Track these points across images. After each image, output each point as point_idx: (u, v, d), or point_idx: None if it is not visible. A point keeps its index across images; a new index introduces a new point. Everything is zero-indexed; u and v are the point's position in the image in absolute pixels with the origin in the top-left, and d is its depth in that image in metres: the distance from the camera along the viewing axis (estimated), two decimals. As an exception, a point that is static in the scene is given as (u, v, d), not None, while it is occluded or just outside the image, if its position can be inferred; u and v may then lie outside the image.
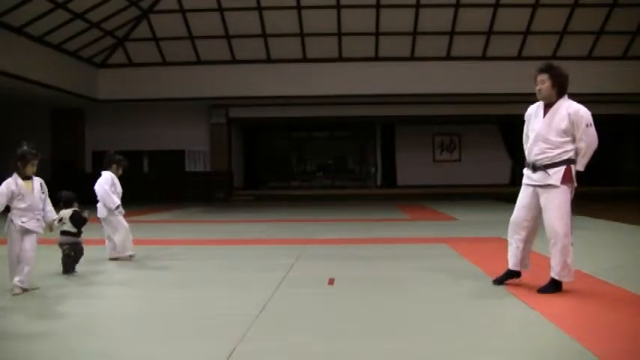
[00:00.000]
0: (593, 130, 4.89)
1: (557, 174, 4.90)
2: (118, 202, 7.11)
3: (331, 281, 5.72)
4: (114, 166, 7.30)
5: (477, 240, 8.89)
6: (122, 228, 7.14)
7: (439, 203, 17.47)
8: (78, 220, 6.25)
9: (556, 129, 4.91)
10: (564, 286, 5.06)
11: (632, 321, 4.25)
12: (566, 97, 5.04)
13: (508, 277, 5.38)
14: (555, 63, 5.15)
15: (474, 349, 3.67)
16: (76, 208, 6.36)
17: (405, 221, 12.57)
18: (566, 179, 4.89)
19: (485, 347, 3.70)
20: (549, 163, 4.93)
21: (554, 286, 5.01)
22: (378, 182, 24.66)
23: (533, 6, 17.82)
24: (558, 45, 18.88)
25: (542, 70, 5.03)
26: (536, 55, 18.45)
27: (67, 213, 6.25)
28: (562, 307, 4.61)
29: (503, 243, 8.30)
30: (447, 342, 3.80)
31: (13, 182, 5.42)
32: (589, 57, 19.10)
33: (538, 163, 4.99)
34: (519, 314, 4.46)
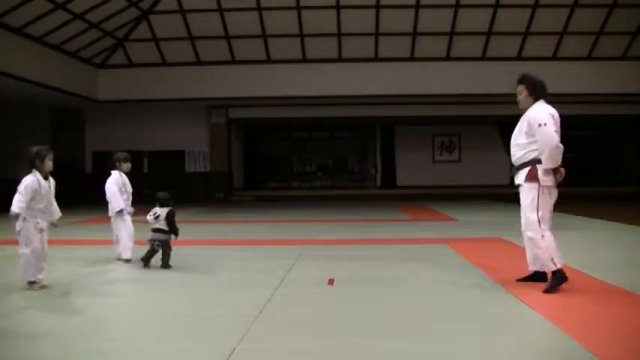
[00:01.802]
0: (546, 130, 5.06)
1: (522, 174, 5.24)
2: (122, 206, 7.08)
3: (331, 281, 5.73)
4: (117, 165, 7.30)
5: (477, 240, 8.89)
6: (125, 230, 7.11)
7: (439, 204, 17.47)
8: (173, 220, 6.58)
9: (521, 132, 5.26)
10: (564, 286, 5.08)
11: (631, 320, 4.26)
12: (540, 101, 5.28)
13: (530, 279, 5.40)
14: (530, 73, 5.45)
15: (473, 349, 3.67)
16: (172, 208, 6.66)
17: (404, 221, 12.57)
18: (529, 178, 5.16)
19: (484, 347, 3.70)
20: (519, 164, 5.28)
21: (553, 281, 5.09)
22: (378, 183, 24.66)
23: (533, 6, 17.81)
24: (558, 45, 18.89)
25: (518, 82, 5.40)
26: (536, 55, 18.49)
27: (163, 211, 6.56)
28: (561, 307, 4.62)
29: (503, 243, 8.35)
30: (447, 342, 3.81)
31: (36, 182, 5.48)
32: (589, 57, 19.09)
33: (515, 165, 5.34)
34: (519, 314, 4.47)
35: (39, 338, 3.99)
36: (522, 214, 5.27)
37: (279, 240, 9.33)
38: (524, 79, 5.36)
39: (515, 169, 5.34)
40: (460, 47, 18.98)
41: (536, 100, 5.29)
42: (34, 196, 5.46)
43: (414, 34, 18.62)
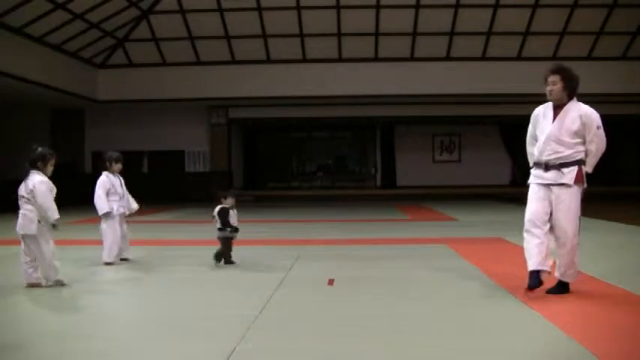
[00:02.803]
0: (602, 133, 4.93)
1: (570, 173, 4.89)
2: (107, 209, 6.91)
3: (331, 281, 5.72)
4: (108, 165, 7.18)
5: (477, 240, 8.89)
6: (110, 234, 6.91)
7: (439, 204, 17.47)
8: (223, 217, 6.66)
9: (568, 130, 4.92)
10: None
11: (632, 321, 4.26)
12: (575, 99, 5.05)
13: (538, 279, 4.85)
14: (566, 64, 5.15)
15: (473, 349, 3.67)
16: (224, 205, 6.71)
17: (404, 221, 12.57)
18: (578, 179, 4.90)
19: (485, 348, 3.70)
20: (561, 163, 4.92)
21: (562, 287, 5.00)
22: (378, 183, 24.64)
23: (533, 6, 17.81)
24: (558, 45, 18.88)
25: (553, 72, 5.02)
26: (536, 55, 18.48)
27: (216, 209, 6.66)
28: (562, 308, 4.62)
29: (504, 243, 8.35)
30: (447, 342, 3.80)
31: (50, 183, 5.55)
32: (589, 57, 19.07)
33: (551, 162, 4.95)
34: (519, 315, 4.46)
35: (38, 338, 3.99)
36: (561, 219, 4.89)
37: (279, 240, 9.33)
38: (561, 70, 5.00)
39: (556, 166, 4.92)
40: (460, 47, 18.98)
41: (570, 95, 4.99)
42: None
43: (414, 34, 18.62)
